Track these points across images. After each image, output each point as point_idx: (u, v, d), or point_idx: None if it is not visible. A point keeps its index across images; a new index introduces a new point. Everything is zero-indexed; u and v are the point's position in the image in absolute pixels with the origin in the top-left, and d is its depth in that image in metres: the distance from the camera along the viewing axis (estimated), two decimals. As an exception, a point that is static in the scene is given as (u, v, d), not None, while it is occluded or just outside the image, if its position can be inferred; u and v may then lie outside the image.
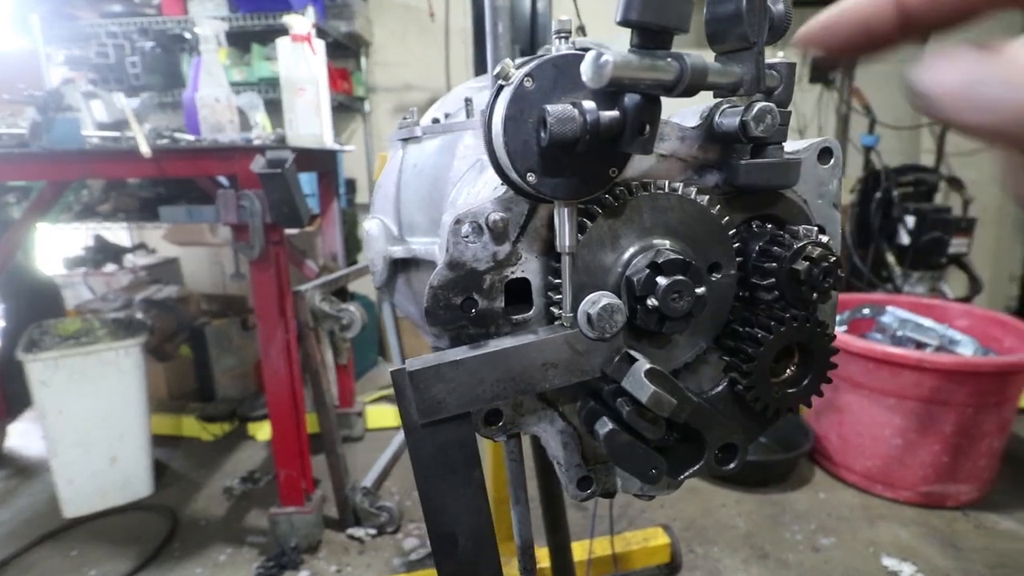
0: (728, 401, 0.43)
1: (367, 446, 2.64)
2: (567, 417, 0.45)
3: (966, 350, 2.27)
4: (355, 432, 2.68)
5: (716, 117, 0.42)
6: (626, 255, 0.40)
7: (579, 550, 1.56)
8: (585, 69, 0.28)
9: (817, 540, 1.97)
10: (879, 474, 2.18)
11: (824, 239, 0.42)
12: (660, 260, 0.38)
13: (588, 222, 0.39)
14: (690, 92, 0.31)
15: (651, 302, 0.38)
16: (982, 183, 3.26)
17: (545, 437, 0.45)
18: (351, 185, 3.54)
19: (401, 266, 0.73)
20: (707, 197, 0.41)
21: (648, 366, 0.36)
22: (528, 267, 0.42)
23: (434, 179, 0.70)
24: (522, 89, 0.33)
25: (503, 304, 0.42)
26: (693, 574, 1.87)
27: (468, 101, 0.70)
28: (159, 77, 1.72)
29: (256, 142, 1.77)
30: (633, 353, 0.38)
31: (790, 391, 0.42)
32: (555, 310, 0.41)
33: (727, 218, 0.42)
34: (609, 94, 0.33)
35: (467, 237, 0.40)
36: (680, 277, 0.38)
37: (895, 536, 1.99)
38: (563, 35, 0.34)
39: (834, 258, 0.41)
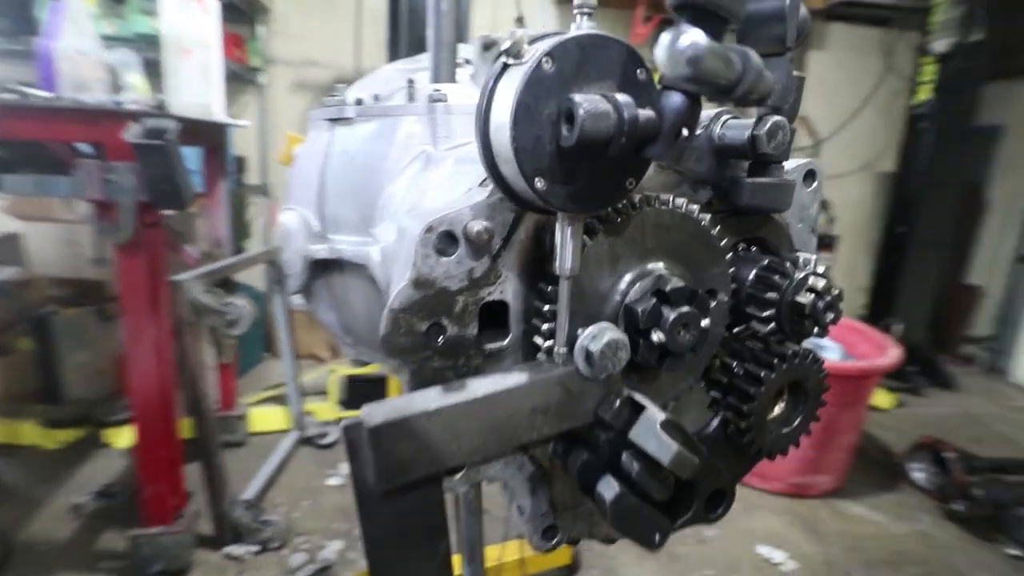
0: (720, 442, 0.39)
1: (249, 452, 2.40)
2: (539, 460, 0.39)
3: (833, 355, 2.51)
4: (236, 437, 2.43)
5: (717, 129, 0.38)
6: (624, 280, 0.34)
7: (490, 554, 1.52)
8: (662, 53, 0.22)
9: (702, 532, 2.08)
10: (756, 467, 2.35)
11: (822, 269, 0.39)
12: (667, 288, 0.33)
13: (587, 239, 0.33)
14: (745, 98, 0.25)
15: (657, 336, 0.32)
16: (844, 204, 3.64)
17: (512, 484, 0.39)
18: (241, 163, 3.22)
19: (322, 268, 0.63)
20: (708, 216, 0.37)
21: (663, 417, 0.30)
22: (507, 288, 0.35)
23: (368, 169, 0.60)
24: (540, 72, 0.26)
25: (476, 331, 0.34)
26: (591, 573, 1.90)
27: (411, 83, 0.61)
28: (6, 20, 1.42)
29: (130, 107, 1.52)
30: (638, 398, 0.32)
31: (783, 431, 0.39)
32: (538, 340, 0.35)
33: (724, 240, 0.38)
34: (642, 90, 0.26)
35: (441, 249, 0.32)
36: (687, 308, 0.33)
37: (769, 525, 2.15)
38: (586, 11, 0.27)
39: (837, 291, 0.38)
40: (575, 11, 0.28)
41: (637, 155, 0.28)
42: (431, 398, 0.30)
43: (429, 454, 0.29)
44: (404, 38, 1.68)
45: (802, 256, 0.39)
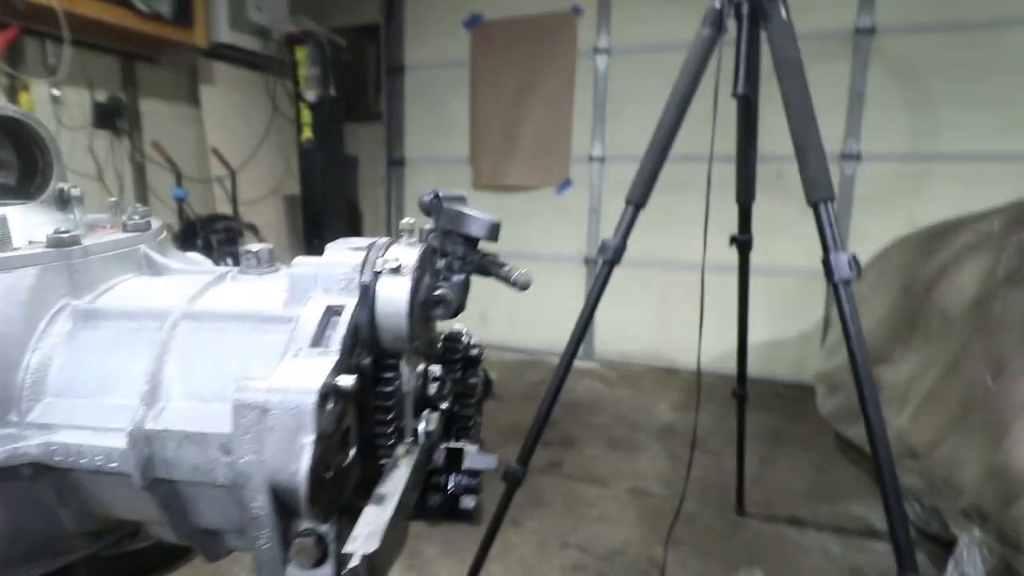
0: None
1: None
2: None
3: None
4: None
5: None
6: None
7: None
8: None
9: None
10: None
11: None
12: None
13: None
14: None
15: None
16: (266, 225, 4.05)
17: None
18: None
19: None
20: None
21: (475, 447, 0.50)
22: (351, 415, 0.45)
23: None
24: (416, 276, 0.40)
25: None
26: None
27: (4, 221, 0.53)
28: None
29: None
30: (453, 445, 0.51)
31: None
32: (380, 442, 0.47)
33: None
34: (440, 275, 0.45)
35: (323, 408, 0.40)
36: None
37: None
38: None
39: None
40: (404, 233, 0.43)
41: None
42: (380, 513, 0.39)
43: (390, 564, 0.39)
44: None
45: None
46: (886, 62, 3.10)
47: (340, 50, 3.77)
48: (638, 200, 1.43)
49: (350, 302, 0.47)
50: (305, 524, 0.45)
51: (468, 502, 0.47)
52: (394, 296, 0.42)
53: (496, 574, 1.97)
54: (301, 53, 3.58)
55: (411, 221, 0.45)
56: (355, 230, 4.57)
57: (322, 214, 3.91)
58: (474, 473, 0.50)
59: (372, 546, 0.38)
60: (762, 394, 2.21)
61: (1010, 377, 1.58)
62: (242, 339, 0.48)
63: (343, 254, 0.48)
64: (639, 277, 3.47)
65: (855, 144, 3.19)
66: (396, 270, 0.42)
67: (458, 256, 0.47)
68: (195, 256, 0.67)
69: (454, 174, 4.08)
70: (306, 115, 3.69)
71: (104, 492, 0.49)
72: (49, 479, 0.48)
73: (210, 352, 0.48)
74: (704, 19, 1.41)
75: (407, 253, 0.44)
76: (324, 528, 0.45)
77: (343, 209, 4.14)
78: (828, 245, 1.23)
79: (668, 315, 3.68)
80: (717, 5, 1.38)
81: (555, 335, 2.62)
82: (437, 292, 0.44)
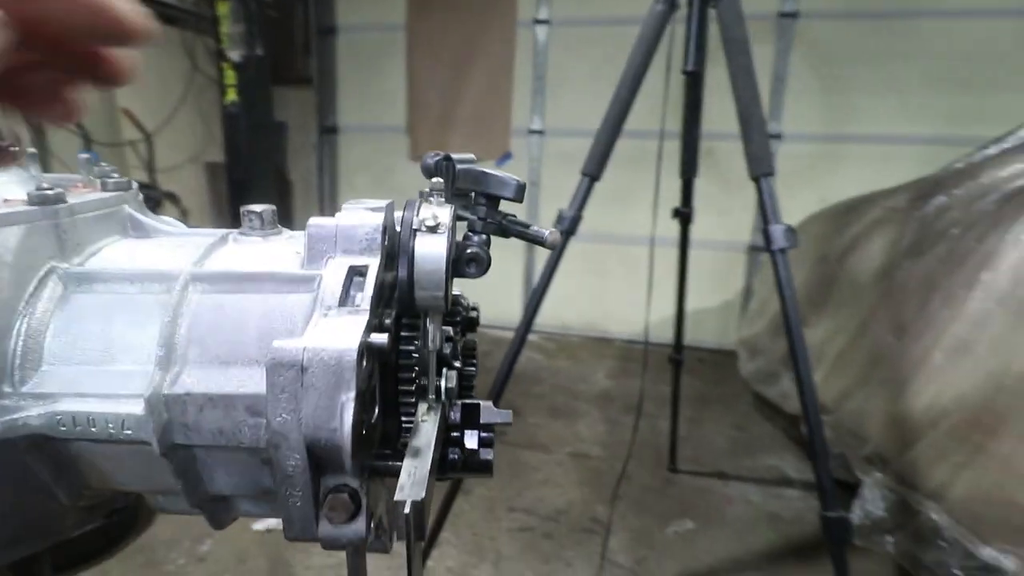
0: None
1: None
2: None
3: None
4: None
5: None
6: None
7: None
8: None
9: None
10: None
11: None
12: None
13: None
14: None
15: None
16: (187, 193, 3.79)
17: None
18: None
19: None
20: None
21: (489, 402, 0.52)
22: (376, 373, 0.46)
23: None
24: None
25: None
26: None
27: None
28: None
29: None
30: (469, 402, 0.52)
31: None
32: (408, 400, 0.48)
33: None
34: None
35: (361, 364, 0.40)
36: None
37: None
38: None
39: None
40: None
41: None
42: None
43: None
44: None
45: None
46: (807, 47, 3.30)
47: (264, 5, 3.53)
48: (593, 172, 1.47)
49: (373, 262, 0.47)
50: (335, 481, 0.46)
51: (487, 454, 0.50)
52: (433, 253, 0.43)
53: (447, 539, 2.01)
54: (223, 8, 3.33)
55: (439, 181, 0.46)
56: (284, 200, 4.37)
57: (248, 183, 3.70)
58: (489, 427, 0.52)
59: (420, 493, 0.39)
60: (689, 360, 2.36)
61: (911, 338, 1.78)
62: (261, 300, 0.47)
63: (361, 214, 0.48)
64: (575, 250, 3.56)
65: (776, 125, 3.40)
66: (434, 228, 0.43)
67: (480, 216, 0.48)
68: (170, 219, 0.64)
69: (390, 144, 3.97)
70: (230, 76, 3.45)
71: (108, 462, 0.47)
72: (47, 451, 0.46)
73: (227, 314, 0.47)
74: (657, -6, 1.45)
75: (441, 212, 0.44)
76: (356, 483, 0.46)
77: (271, 178, 3.93)
78: (768, 217, 1.33)
79: (603, 287, 3.81)
80: (670, -18, 1.42)
81: (495, 308, 2.65)
82: (469, 250, 0.45)
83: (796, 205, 3.02)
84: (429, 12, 3.71)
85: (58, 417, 0.44)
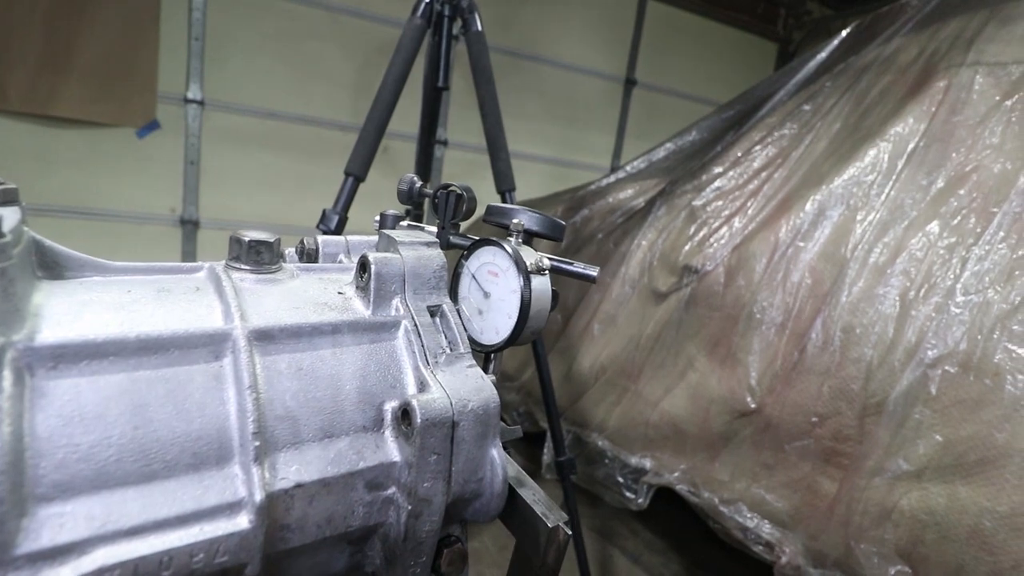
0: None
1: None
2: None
3: None
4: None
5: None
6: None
7: None
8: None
9: None
10: None
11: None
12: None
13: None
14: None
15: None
16: None
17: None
18: None
19: None
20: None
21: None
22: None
23: None
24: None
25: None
26: None
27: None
28: None
29: None
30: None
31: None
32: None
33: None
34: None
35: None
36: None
37: None
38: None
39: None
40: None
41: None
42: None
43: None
44: None
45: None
46: (465, 67, 3.79)
47: None
48: (358, 172, 1.45)
49: (445, 299, 0.47)
50: (443, 533, 0.45)
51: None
52: (544, 294, 0.46)
53: None
54: None
55: (520, 223, 0.48)
56: None
57: None
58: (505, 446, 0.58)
59: (563, 516, 0.44)
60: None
61: (574, 318, 2.35)
62: (342, 355, 0.41)
63: (421, 250, 0.47)
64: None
65: (443, 132, 3.81)
66: (541, 270, 0.46)
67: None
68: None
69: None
70: None
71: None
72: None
73: (312, 377, 0.40)
74: (414, 8, 1.51)
75: (532, 254, 0.47)
76: (459, 530, 0.47)
77: None
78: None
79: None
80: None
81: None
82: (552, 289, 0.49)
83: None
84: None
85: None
